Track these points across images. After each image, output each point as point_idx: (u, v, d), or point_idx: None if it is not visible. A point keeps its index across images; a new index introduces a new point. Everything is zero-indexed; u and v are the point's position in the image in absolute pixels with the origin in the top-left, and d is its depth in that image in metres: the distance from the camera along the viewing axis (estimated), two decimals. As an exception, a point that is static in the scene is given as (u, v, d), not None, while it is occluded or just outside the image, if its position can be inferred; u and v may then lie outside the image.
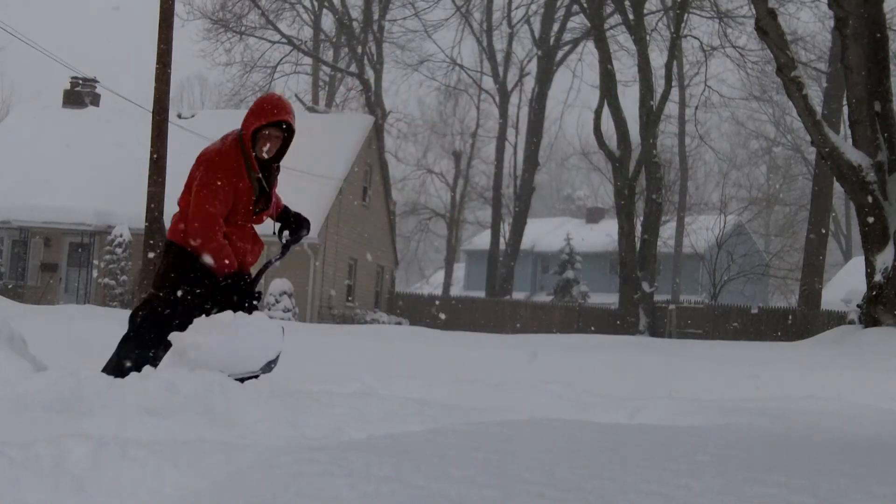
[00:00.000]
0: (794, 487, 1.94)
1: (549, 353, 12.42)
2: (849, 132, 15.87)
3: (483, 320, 33.23)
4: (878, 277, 14.26)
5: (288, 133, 5.18)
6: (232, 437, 2.92)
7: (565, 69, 39.96)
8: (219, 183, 4.96)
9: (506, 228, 40.73)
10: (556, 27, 37.22)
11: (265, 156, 5.11)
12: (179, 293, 4.99)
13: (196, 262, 4.98)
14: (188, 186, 5.12)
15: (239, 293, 4.97)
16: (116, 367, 4.85)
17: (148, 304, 5.11)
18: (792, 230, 45.94)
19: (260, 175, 5.12)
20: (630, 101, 32.94)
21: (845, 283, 39.13)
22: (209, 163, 5.05)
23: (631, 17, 30.92)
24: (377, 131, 34.91)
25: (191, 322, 4.80)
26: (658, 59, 34.91)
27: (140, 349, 4.97)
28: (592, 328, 30.98)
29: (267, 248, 5.66)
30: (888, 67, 14.97)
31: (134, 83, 32.44)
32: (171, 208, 21.00)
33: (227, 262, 4.94)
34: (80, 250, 28.91)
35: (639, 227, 31.83)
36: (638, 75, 31.49)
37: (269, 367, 4.77)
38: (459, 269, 56.26)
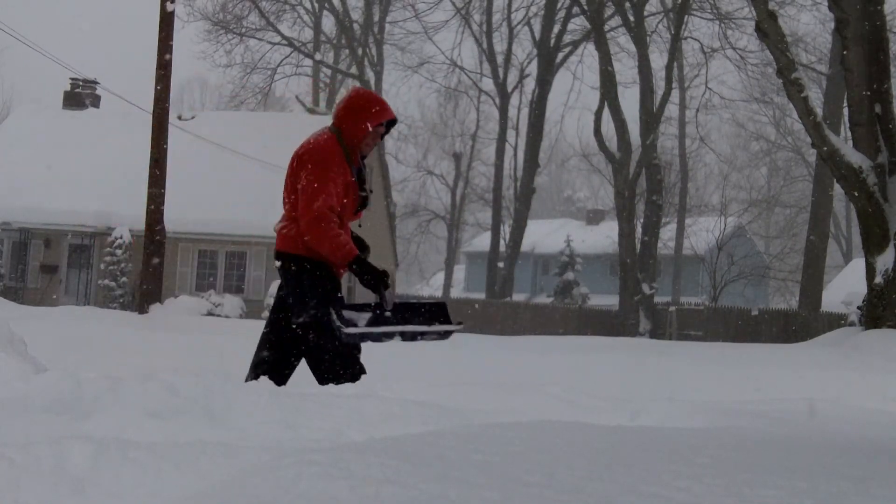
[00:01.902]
0: (795, 490, 1.94)
1: (550, 355, 12.41)
2: (849, 134, 15.86)
3: (483, 322, 33.23)
4: (878, 279, 14.25)
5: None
6: (232, 439, 2.92)
7: (565, 71, 40.00)
8: (330, 175, 4.78)
9: (506, 230, 40.73)
10: (556, 29, 37.24)
11: (363, 152, 5.00)
12: (329, 299, 4.79)
13: (324, 267, 4.81)
14: (291, 188, 4.90)
15: (372, 276, 4.76)
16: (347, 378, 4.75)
17: (311, 325, 4.85)
18: (792, 232, 45.94)
19: (363, 170, 5.00)
20: (630, 103, 32.98)
21: (845, 285, 39.16)
22: (316, 159, 4.82)
23: (631, 18, 30.93)
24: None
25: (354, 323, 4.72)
26: (658, 60, 34.95)
27: (343, 362, 4.86)
28: (589, 332, 30.97)
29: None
30: (888, 69, 14.97)
31: (134, 85, 32.45)
32: (171, 209, 20.90)
33: (347, 248, 4.72)
34: (80, 252, 28.91)
35: (639, 229, 31.84)
36: (638, 77, 31.51)
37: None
38: (460, 271, 56.29)
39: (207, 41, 38.56)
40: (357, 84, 40.44)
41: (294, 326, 4.93)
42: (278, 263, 4.97)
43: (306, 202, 4.74)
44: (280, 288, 5.09)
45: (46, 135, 30.76)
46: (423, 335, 4.93)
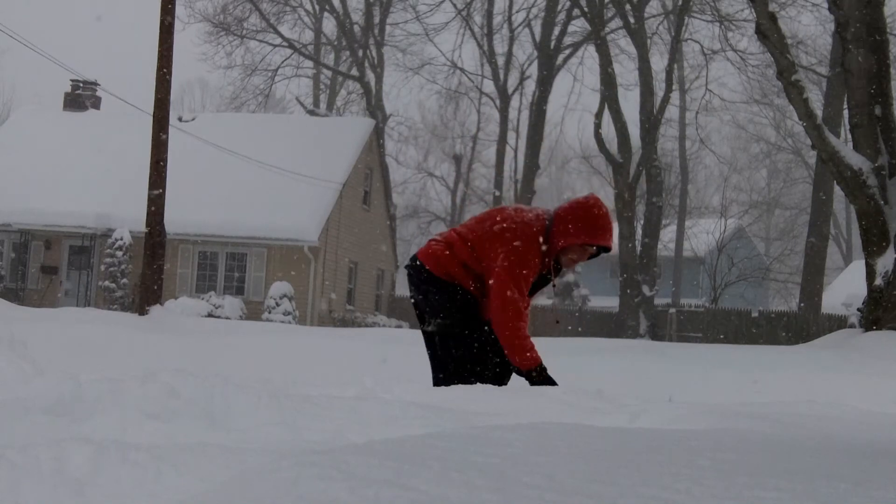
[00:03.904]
0: (795, 492, 1.94)
1: (550, 356, 12.40)
2: (849, 136, 15.86)
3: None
4: (878, 281, 14.26)
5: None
6: (232, 441, 2.92)
7: (566, 73, 39.99)
8: (524, 272, 4.55)
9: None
10: (556, 31, 37.26)
11: (565, 267, 4.78)
12: (460, 314, 4.68)
13: (464, 294, 4.67)
14: (474, 240, 4.64)
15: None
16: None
17: (439, 333, 4.79)
18: (792, 234, 45.96)
19: (546, 272, 4.76)
20: (631, 105, 33.00)
21: (845, 287, 39.14)
22: (518, 252, 4.55)
23: (632, 20, 30.94)
24: (378, 135, 34.93)
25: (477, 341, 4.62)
26: (659, 62, 34.97)
27: (464, 369, 4.77)
28: (589, 333, 30.95)
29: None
30: (889, 71, 14.98)
31: (135, 86, 32.46)
32: (171, 210, 20.90)
33: (533, 356, 4.57)
34: (80, 253, 28.92)
35: (639, 231, 31.84)
36: (639, 79, 31.52)
37: None
38: (460, 273, 56.21)
39: (208, 43, 38.61)
40: (358, 86, 40.47)
41: (424, 330, 4.86)
42: (417, 275, 4.80)
43: (498, 291, 4.51)
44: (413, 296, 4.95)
45: (47, 136, 30.79)
46: None
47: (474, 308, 4.71)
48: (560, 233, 4.62)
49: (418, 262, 4.80)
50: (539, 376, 4.60)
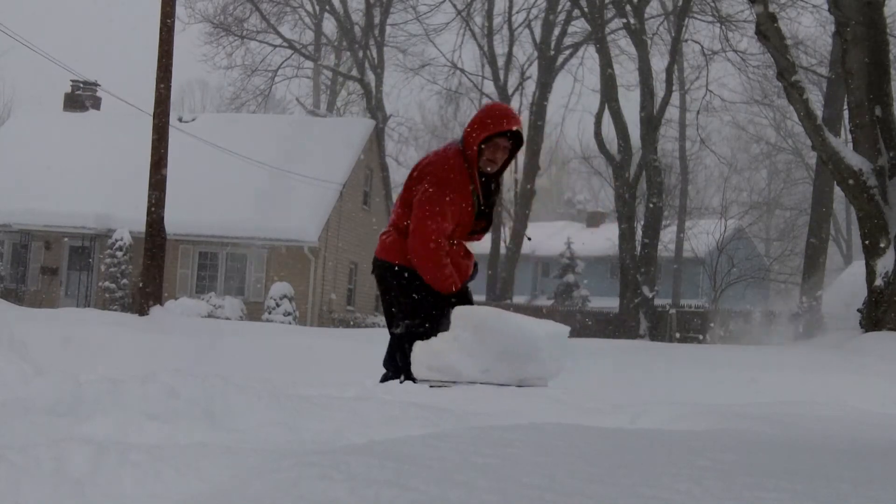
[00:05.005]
0: (795, 492, 1.94)
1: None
2: (849, 137, 15.87)
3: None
4: (878, 282, 14.26)
5: (514, 145, 4.78)
6: (232, 442, 2.92)
7: (566, 73, 39.99)
8: (447, 199, 4.57)
9: (506, 232, 40.74)
10: (556, 31, 37.26)
11: (489, 169, 4.74)
12: (428, 310, 4.70)
13: (421, 279, 4.69)
14: (405, 201, 4.73)
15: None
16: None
17: (407, 336, 4.79)
18: (792, 234, 45.93)
19: (480, 193, 4.74)
20: (631, 106, 32.98)
21: (846, 288, 39.10)
22: (436, 178, 4.62)
23: (632, 21, 30.94)
24: (378, 135, 34.94)
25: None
26: (659, 63, 34.96)
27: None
28: (589, 334, 30.94)
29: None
30: (889, 72, 14.98)
31: (135, 87, 32.47)
32: (171, 210, 20.91)
33: (450, 282, 4.63)
34: (80, 253, 28.92)
35: (639, 232, 31.83)
36: (639, 79, 31.51)
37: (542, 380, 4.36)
38: (460, 273, 56.19)
39: (209, 43, 38.62)
40: (358, 86, 40.47)
41: (392, 332, 4.92)
42: (377, 271, 4.85)
43: (418, 222, 4.57)
44: (383, 294, 5.00)
45: (47, 137, 30.79)
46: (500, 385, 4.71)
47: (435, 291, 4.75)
48: (468, 142, 4.70)
49: (378, 261, 4.89)
50: (458, 300, 4.69)
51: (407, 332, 4.80)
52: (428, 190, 4.60)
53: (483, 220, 4.86)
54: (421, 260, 4.60)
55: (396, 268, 4.76)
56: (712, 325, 30.40)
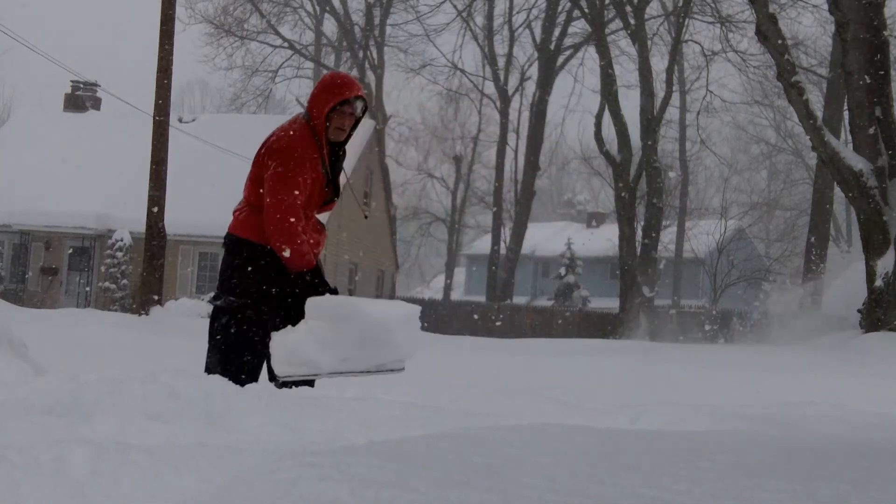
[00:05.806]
0: (795, 493, 1.94)
1: (550, 357, 12.42)
2: (849, 137, 15.87)
3: (483, 324, 33.22)
4: (878, 282, 14.26)
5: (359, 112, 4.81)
6: (232, 442, 2.92)
7: (566, 74, 39.99)
8: (298, 174, 4.58)
9: (506, 233, 40.74)
10: (557, 32, 37.26)
11: (338, 138, 4.77)
12: (258, 292, 4.65)
13: (272, 257, 4.64)
14: (256, 177, 4.72)
15: (310, 288, 4.63)
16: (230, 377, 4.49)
17: (225, 310, 4.74)
18: (792, 235, 45.90)
19: (328, 163, 4.77)
20: (631, 106, 32.99)
21: (846, 288, 39.08)
22: (284, 151, 4.62)
23: (632, 21, 30.95)
24: (378, 136, 34.93)
25: (271, 323, 4.57)
26: (659, 63, 34.96)
27: (235, 357, 4.75)
28: (589, 335, 30.95)
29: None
30: (889, 72, 14.98)
31: (135, 87, 32.50)
32: (171, 211, 20.91)
33: (307, 259, 4.59)
34: (80, 254, 28.92)
35: (639, 232, 31.83)
36: (639, 80, 31.51)
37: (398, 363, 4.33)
38: (460, 274, 56.25)
39: (209, 44, 38.64)
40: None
41: (211, 303, 4.85)
42: (226, 246, 4.82)
43: (273, 199, 4.57)
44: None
45: (47, 137, 30.79)
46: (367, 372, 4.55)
47: (281, 273, 4.69)
48: (314, 114, 4.72)
49: (231, 237, 4.83)
50: (312, 278, 4.65)
51: (226, 307, 4.76)
52: (279, 167, 4.62)
53: (331, 189, 4.88)
54: (278, 236, 4.57)
55: (248, 243, 4.74)
56: (713, 326, 30.41)
